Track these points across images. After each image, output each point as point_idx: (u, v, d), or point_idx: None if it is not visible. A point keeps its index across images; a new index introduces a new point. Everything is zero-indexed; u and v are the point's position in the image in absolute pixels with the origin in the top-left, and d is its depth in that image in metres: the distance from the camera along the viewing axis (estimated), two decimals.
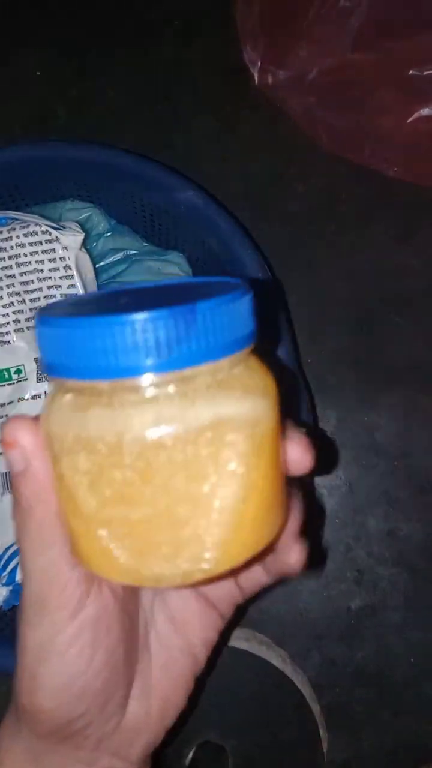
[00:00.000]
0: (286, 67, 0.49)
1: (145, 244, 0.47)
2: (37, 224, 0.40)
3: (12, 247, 0.40)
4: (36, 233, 0.40)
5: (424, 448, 0.48)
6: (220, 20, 0.52)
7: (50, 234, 0.40)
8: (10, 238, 0.40)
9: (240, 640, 0.45)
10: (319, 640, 0.47)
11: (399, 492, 0.48)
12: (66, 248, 0.40)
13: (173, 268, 0.45)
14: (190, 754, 0.43)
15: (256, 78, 0.50)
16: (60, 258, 0.40)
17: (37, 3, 0.54)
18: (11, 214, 0.41)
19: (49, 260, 0.41)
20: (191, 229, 0.41)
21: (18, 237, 0.40)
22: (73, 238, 0.40)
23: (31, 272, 0.41)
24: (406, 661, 0.47)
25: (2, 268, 0.41)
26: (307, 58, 0.47)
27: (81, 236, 0.41)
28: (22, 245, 0.40)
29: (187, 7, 0.53)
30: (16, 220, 0.41)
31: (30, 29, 0.54)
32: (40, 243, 0.40)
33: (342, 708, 0.47)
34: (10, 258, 0.41)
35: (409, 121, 0.46)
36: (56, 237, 0.40)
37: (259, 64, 0.50)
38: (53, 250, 0.41)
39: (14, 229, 0.41)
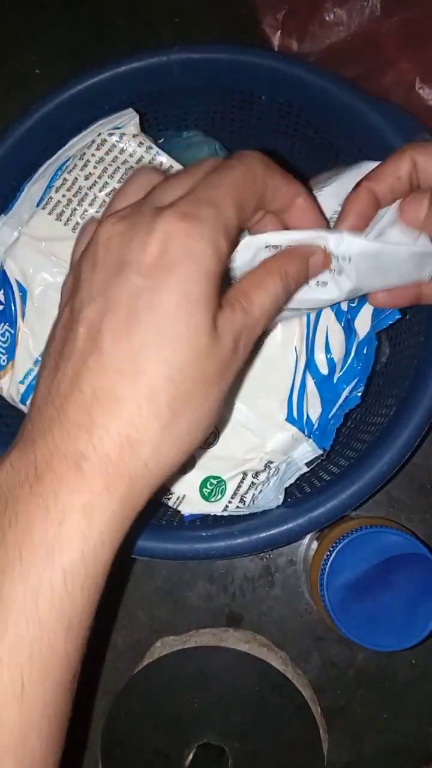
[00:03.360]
0: (304, 40, 0.48)
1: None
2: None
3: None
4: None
5: (424, 448, 0.48)
6: (220, 19, 0.52)
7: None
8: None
9: (240, 642, 0.45)
10: (320, 642, 0.47)
11: (399, 492, 0.48)
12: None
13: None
14: (190, 756, 0.43)
15: (276, 48, 0.50)
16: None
17: (37, 1, 0.54)
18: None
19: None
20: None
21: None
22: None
23: None
24: (406, 662, 0.47)
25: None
26: (324, 32, 0.47)
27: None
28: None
29: (187, 6, 0.53)
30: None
31: (30, 27, 0.54)
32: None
33: (342, 710, 0.46)
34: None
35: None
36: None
37: (278, 34, 0.49)
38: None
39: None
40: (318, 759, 0.43)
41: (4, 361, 0.35)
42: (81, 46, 0.53)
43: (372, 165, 0.36)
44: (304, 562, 0.46)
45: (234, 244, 0.26)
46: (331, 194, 0.35)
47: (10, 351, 0.35)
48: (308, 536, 0.47)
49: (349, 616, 0.39)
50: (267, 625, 0.47)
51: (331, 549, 0.40)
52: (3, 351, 0.35)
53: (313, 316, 0.34)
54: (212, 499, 0.34)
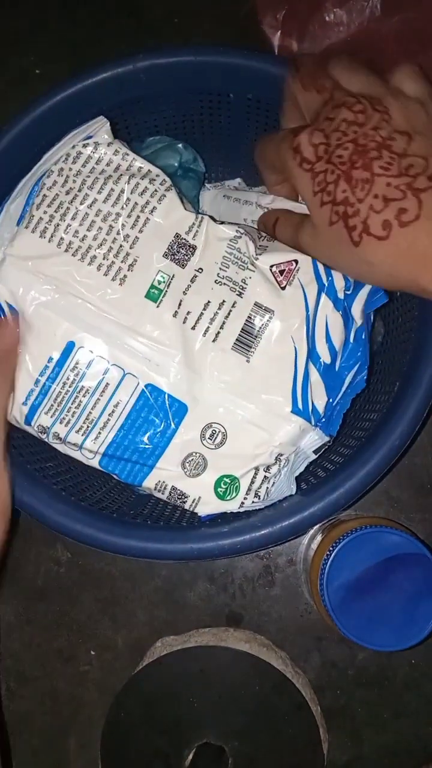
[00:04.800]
0: (304, 40, 0.48)
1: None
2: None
3: None
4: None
5: (424, 448, 0.48)
6: (220, 19, 0.52)
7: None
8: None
9: (240, 642, 0.45)
10: (320, 642, 0.47)
11: (399, 492, 0.48)
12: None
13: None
14: (190, 756, 0.43)
15: (276, 49, 0.50)
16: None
17: (37, 1, 0.54)
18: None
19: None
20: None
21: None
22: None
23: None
24: (406, 662, 0.47)
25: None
26: (324, 32, 0.48)
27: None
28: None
29: (187, 6, 0.53)
30: None
31: (30, 27, 0.54)
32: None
33: (342, 709, 0.46)
34: None
35: None
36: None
37: (278, 35, 0.49)
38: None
39: None
40: (318, 759, 0.43)
41: None
42: (81, 46, 0.53)
43: None
44: (304, 562, 0.46)
45: None
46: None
47: None
48: (308, 536, 0.47)
49: (349, 616, 0.39)
50: (267, 624, 0.47)
51: (331, 549, 0.40)
52: None
53: (312, 306, 0.34)
54: (227, 498, 0.35)
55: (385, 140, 0.29)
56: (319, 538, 0.45)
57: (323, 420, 0.35)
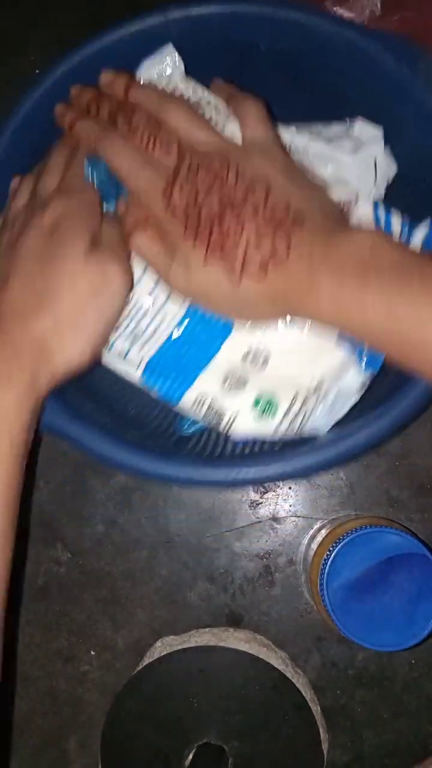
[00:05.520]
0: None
1: None
2: None
3: None
4: None
5: (424, 448, 0.48)
6: None
7: None
8: None
9: (240, 642, 0.45)
10: (320, 642, 0.47)
11: (399, 492, 0.48)
12: None
13: None
14: (190, 756, 0.43)
15: None
16: None
17: (37, 1, 0.54)
18: None
19: None
20: None
21: None
22: None
23: None
24: (406, 662, 0.47)
25: None
26: None
27: None
28: None
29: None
30: None
31: (29, 27, 0.54)
32: None
33: (342, 709, 0.46)
34: None
35: None
36: None
37: None
38: None
39: None
40: (318, 759, 0.43)
41: None
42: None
43: (364, 124, 0.38)
44: (304, 562, 0.46)
45: None
46: (315, 154, 0.37)
47: None
48: (308, 536, 0.47)
49: (349, 616, 0.39)
50: (267, 624, 0.47)
51: (331, 549, 0.40)
52: None
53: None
54: (265, 415, 0.35)
55: (247, 191, 0.31)
56: (319, 538, 0.45)
57: (365, 356, 0.35)
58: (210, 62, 0.41)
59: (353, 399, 0.35)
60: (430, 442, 0.48)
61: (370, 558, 0.40)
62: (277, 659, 0.45)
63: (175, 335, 0.35)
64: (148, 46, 0.38)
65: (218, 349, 0.35)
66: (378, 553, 0.40)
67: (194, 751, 0.43)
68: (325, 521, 0.47)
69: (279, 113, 0.38)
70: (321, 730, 0.44)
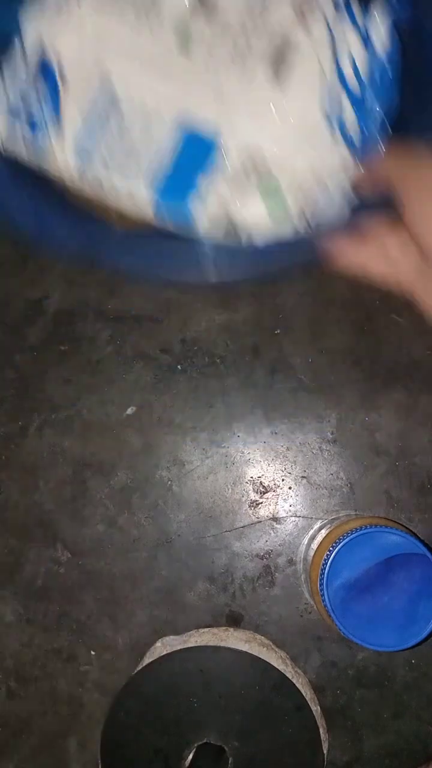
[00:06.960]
0: None
1: None
2: None
3: None
4: None
5: (424, 448, 0.48)
6: None
7: None
8: None
9: (240, 642, 0.45)
10: (320, 642, 0.47)
11: (399, 492, 0.48)
12: None
13: None
14: (190, 756, 0.43)
15: None
16: None
17: None
18: None
19: None
20: None
21: None
22: None
23: None
24: (406, 662, 0.47)
25: None
26: None
27: None
28: None
29: None
30: None
31: None
32: None
33: (342, 709, 0.46)
34: None
35: None
36: None
37: None
38: None
39: None
40: (318, 759, 0.43)
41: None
42: None
43: None
44: (304, 562, 0.46)
45: None
46: None
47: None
48: (308, 536, 0.47)
49: (349, 616, 0.39)
50: (267, 624, 0.47)
51: (331, 549, 0.40)
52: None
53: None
54: (272, 200, 0.36)
55: None
56: (319, 538, 0.45)
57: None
58: None
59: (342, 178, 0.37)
60: (430, 442, 0.48)
61: (369, 558, 0.40)
62: (277, 659, 0.45)
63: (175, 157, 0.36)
64: None
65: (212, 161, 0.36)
66: (378, 553, 0.40)
67: (194, 751, 0.43)
68: (325, 521, 0.47)
69: None
70: (321, 730, 0.44)
